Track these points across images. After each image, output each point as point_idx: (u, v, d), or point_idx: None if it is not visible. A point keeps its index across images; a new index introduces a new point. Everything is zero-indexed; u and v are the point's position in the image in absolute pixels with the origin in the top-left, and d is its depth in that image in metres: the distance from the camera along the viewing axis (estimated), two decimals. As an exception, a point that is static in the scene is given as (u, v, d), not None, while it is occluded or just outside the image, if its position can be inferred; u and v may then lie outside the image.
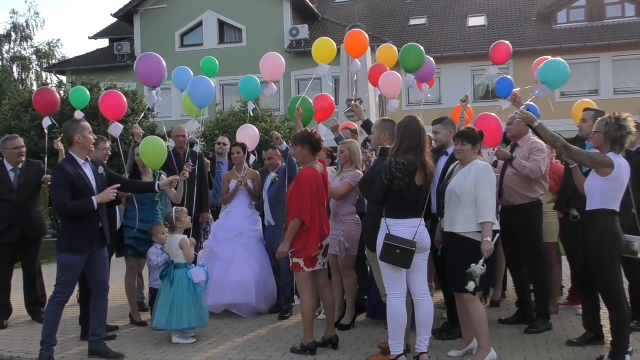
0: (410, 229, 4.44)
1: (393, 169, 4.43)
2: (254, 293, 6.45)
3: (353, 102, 7.20)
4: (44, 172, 6.65)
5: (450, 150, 5.32)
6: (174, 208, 5.94)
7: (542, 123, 4.66)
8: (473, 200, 4.52)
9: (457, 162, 4.83)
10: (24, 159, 6.60)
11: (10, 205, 6.43)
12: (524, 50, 22.94)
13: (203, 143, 15.07)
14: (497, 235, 4.55)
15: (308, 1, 25.81)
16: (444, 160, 5.29)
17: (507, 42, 7.53)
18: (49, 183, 6.40)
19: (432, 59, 7.40)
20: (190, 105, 6.65)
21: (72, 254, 4.90)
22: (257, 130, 7.41)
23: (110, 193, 4.99)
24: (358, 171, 5.84)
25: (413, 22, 26.77)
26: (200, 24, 25.78)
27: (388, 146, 4.88)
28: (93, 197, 4.91)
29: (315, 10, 26.24)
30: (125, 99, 6.86)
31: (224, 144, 8.19)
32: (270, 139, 14.89)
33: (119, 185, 5.14)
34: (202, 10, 25.40)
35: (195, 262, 5.99)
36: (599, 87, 22.86)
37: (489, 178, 4.60)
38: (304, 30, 24.23)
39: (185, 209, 5.96)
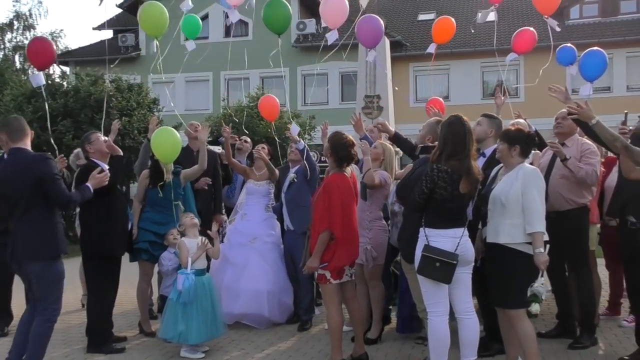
0: (451, 239, 4.03)
1: (435, 177, 4.00)
2: (267, 303, 6.03)
3: (373, 98, 6.73)
4: None
5: (487, 152, 4.94)
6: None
7: (600, 120, 4.24)
8: (520, 208, 4.10)
9: (501, 165, 4.43)
10: None
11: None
12: (535, 46, 22.57)
13: (209, 139, 14.66)
14: (548, 246, 4.13)
15: (315, -6, 25.39)
16: (480, 162, 4.87)
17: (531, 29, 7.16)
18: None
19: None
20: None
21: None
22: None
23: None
24: (387, 173, 5.45)
25: (421, 17, 26.34)
26: (206, 17, 25.30)
27: (430, 144, 4.45)
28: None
29: (323, 3, 25.81)
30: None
31: (245, 141, 7.81)
32: (279, 136, 14.49)
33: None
34: (209, 2, 24.93)
35: (207, 267, 5.60)
36: (612, 84, 22.46)
37: (538, 184, 4.18)
38: (311, 25, 23.80)
39: (188, 213, 5.70)
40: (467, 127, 4.10)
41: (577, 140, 5.13)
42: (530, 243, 4.07)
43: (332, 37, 6.14)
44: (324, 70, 24.09)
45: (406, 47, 23.84)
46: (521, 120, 5.58)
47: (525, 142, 4.22)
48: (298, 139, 6.22)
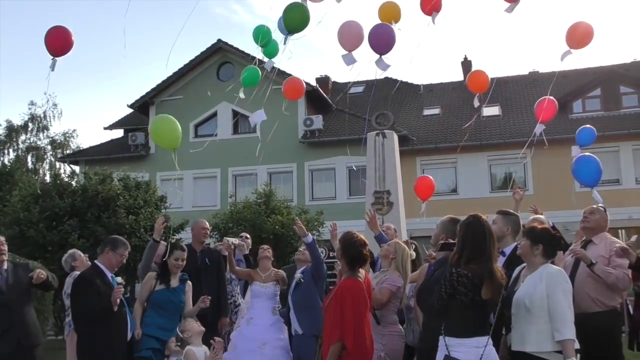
0: (474, 349, 3.71)
1: (454, 282, 3.74)
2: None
3: (383, 193, 6.58)
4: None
5: (507, 250, 4.70)
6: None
7: None
8: (546, 313, 3.83)
9: (523, 265, 4.18)
10: (5, 257, 5.86)
11: (2, 310, 5.69)
12: (540, 139, 22.75)
13: (217, 236, 14.47)
14: (579, 355, 3.81)
15: (322, 92, 25.93)
16: (500, 261, 4.62)
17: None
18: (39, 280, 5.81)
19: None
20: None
21: None
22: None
23: None
24: (398, 275, 5.17)
25: (427, 112, 26.79)
26: (214, 115, 25.86)
27: (451, 240, 4.20)
28: None
29: (329, 100, 26.36)
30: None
31: (246, 237, 7.60)
32: (287, 233, 14.26)
33: None
34: (217, 101, 25.52)
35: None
36: (620, 177, 22.38)
37: (564, 286, 3.92)
38: (318, 121, 24.20)
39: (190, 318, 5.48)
40: (487, 227, 3.88)
41: (606, 238, 4.87)
42: (560, 352, 3.76)
43: (349, 60, 6.11)
44: (331, 164, 24.26)
45: (413, 142, 24.09)
46: (541, 217, 5.38)
47: (549, 242, 4.00)
48: (306, 232, 6.00)
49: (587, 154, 6.48)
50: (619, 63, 25.98)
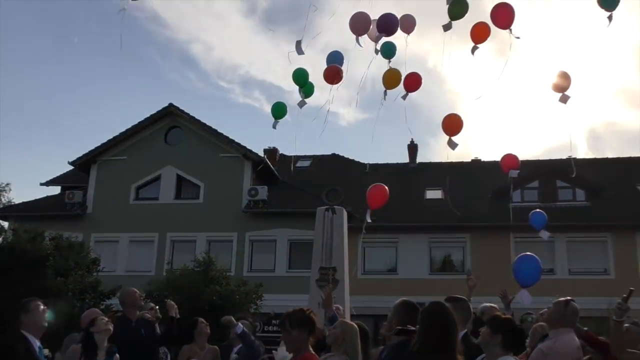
0: None
1: None
2: None
3: (329, 270, 6.41)
4: None
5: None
6: None
7: None
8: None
9: (483, 355, 4.03)
10: None
11: None
12: (480, 225, 23.29)
13: (150, 304, 13.78)
14: None
15: (269, 163, 25.89)
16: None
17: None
18: None
19: None
20: None
21: None
22: None
23: None
24: (346, 358, 4.88)
25: (372, 190, 27.03)
26: (158, 178, 25.32)
27: (411, 327, 3.95)
28: None
29: (276, 172, 26.31)
30: None
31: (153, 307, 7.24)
32: (225, 304, 13.75)
33: None
34: (163, 164, 25.10)
35: None
36: (555, 267, 22.98)
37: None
38: (263, 191, 24.01)
39: None
40: (451, 316, 3.69)
41: (560, 334, 4.60)
42: None
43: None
44: (273, 236, 23.94)
45: (355, 219, 24.14)
46: (494, 306, 5.30)
47: (508, 333, 3.86)
48: (235, 322, 5.90)
49: (528, 253, 6.51)
50: (556, 158, 27.20)
